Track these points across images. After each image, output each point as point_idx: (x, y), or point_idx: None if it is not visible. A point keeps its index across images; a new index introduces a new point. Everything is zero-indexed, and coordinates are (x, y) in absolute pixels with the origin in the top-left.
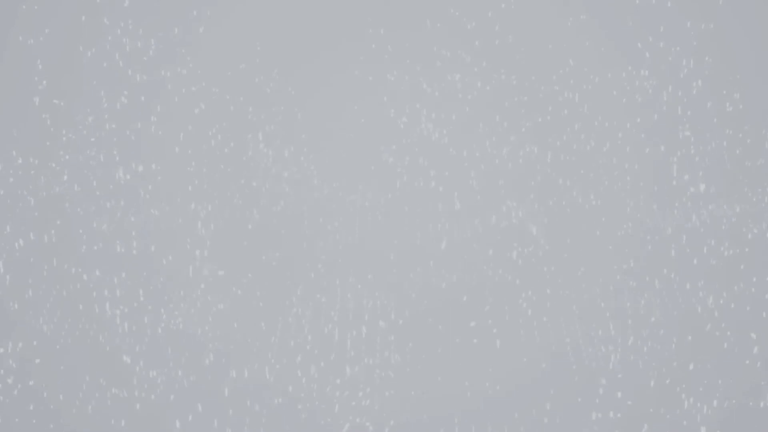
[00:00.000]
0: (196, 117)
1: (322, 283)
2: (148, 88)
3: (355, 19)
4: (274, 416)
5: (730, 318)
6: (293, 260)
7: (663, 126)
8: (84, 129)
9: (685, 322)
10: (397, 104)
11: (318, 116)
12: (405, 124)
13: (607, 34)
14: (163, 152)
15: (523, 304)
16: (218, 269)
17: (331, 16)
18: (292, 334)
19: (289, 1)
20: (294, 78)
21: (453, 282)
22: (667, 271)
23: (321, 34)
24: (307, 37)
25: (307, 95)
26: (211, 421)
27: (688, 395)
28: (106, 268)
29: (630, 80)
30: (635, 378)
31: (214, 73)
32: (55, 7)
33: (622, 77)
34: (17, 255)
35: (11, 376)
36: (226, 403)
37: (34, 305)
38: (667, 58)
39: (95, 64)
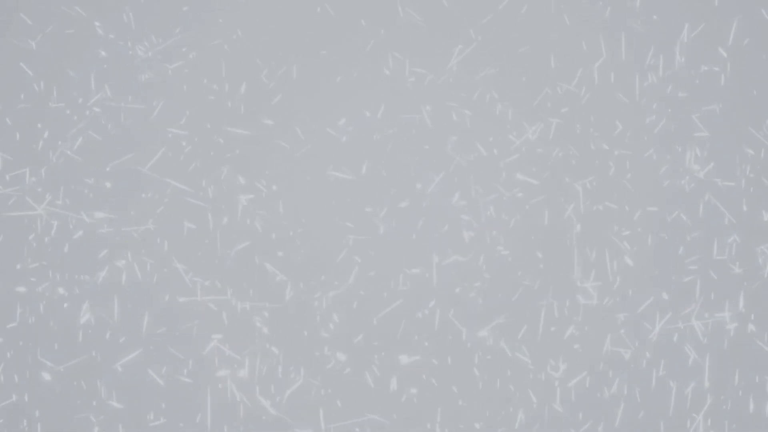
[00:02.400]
0: (196, 115)
1: (328, 281)
2: (149, 88)
3: (353, 17)
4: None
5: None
6: (299, 261)
7: (673, 128)
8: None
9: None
10: (401, 101)
11: (320, 115)
12: (407, 121)
13: (610, 34)
14: (164, 149)
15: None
16: (215, 268)
17: (328, 15)
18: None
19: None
20: (296, 76)
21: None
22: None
23: (317, 32)
24: (305, 35)
25: (309, 94)
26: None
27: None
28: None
29: (631, 81)
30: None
31: (213, 71)
32: (51, 11)
33: (628, 78)
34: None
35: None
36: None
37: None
38: (676, 59)
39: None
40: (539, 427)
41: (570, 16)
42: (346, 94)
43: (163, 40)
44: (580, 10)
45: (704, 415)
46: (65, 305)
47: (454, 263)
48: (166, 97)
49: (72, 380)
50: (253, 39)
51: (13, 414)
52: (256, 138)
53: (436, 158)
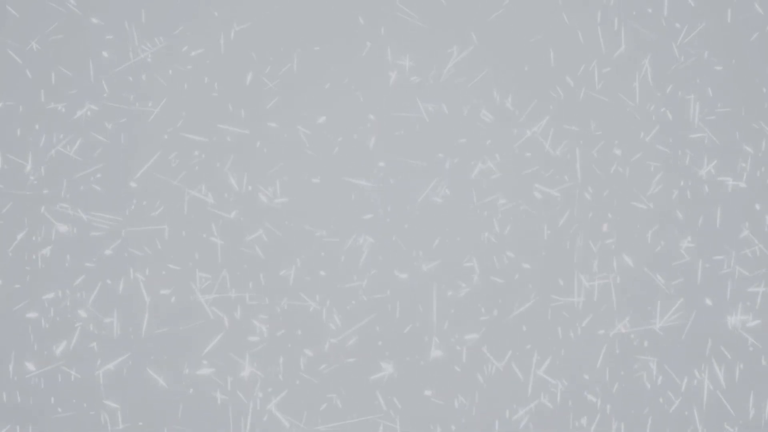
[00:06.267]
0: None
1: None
2: (150, 87)
3: (352, 16)
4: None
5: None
6: (299, 261)
7: (675, 126)
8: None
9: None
10: (404, 99)
11: (320, 115)
12: (408, 120)
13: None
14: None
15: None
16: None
17: (328, 15)
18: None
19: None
20: (296, 77)
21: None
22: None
23: (317, 32)
24: (304, 35)
25: (309, 94)
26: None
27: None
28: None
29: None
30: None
31: (213, 70)
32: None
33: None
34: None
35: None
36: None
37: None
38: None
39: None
40: (535, 428)
41: (570, 16)
42: (346, 94)
43: (163, 40)
44: (580, 10)
45: (704, 414)
46: (65, 305)
47: (455, 264)
48: (166, 97)
49: (72, 381)
50: (253, 38)
51: (12, 414)
52: (256, 138)
53: (436, 158)
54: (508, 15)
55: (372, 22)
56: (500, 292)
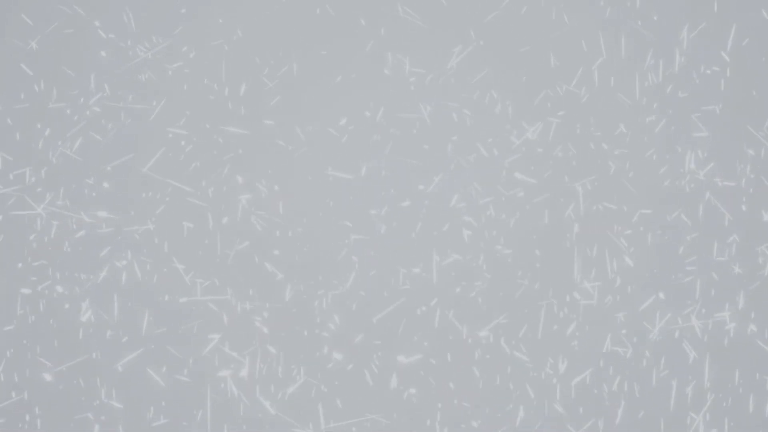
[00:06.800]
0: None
1: (337, 273)
2: (151, 86)
3: (353, 17)
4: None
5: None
6: (299, 260)
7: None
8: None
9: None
10: (401, 99)
11: (320, 115)
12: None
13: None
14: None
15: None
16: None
17: (328, 15)
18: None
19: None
20: (296, 76)
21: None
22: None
23: (317, 32)
24: (305, 35)
25: (309, 94)
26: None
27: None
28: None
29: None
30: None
31: (213, 71)
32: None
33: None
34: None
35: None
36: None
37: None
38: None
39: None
40: (539, 426)
41: (570, 16)
42: (346, 94)
43: (163, 40)
44: (581, 10)
45: (704, 414)
46: (65, 305)
47: (454, 263)
48: (166, 97)
49: (72, 380)
50: (253, 39)
51: (13, 413)
52: (256, 138)
53: (436, 158)
54: (507, 15)
55: (372, 22)
56: (501, 290)
